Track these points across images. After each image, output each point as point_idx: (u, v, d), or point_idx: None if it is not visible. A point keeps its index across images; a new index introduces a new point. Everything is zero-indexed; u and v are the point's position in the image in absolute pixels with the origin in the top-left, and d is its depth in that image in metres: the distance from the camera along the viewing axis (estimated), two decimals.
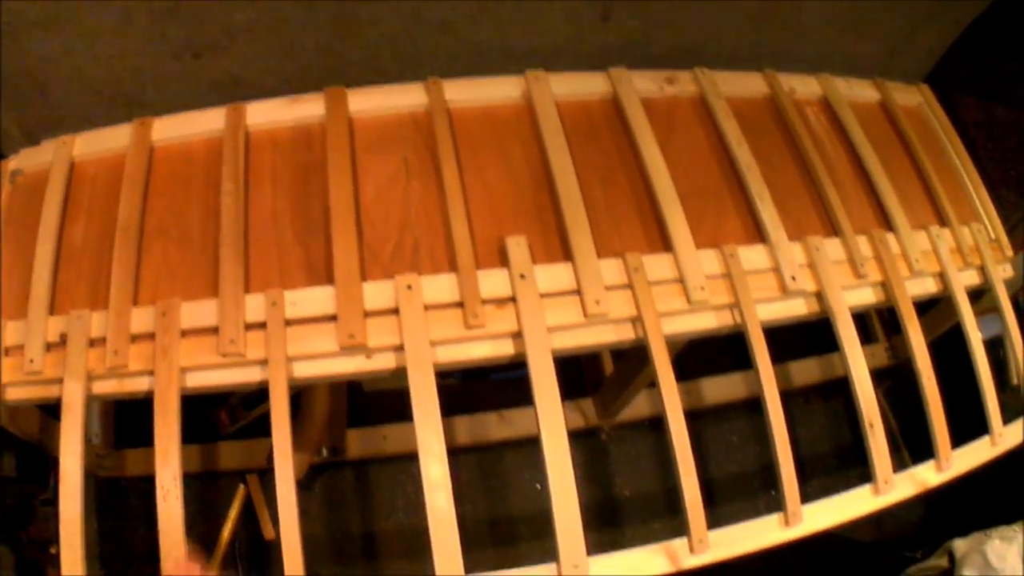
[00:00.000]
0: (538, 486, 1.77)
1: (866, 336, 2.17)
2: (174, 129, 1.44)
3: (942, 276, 1.56)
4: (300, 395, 1.69)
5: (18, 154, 1.48)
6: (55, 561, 1.54)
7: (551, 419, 1.20)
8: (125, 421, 1.74)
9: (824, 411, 2.08)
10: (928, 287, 1.55)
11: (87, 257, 1.34)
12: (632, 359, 1.67)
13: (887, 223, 1.56)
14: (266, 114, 1.44)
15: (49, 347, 1.25)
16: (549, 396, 1.21)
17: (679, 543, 1.23)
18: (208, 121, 1.43)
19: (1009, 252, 1.70)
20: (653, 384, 1.69)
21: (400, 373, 1.23)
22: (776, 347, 2.01)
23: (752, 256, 1.41)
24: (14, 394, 1.27)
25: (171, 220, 1.36)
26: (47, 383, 1.25)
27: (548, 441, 1.19)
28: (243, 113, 1.43)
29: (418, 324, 1.23)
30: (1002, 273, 1.66)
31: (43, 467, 1.60)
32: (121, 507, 1.70)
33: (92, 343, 1.24)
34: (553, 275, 1.31)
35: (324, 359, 1.25)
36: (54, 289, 1.31)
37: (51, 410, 1.46)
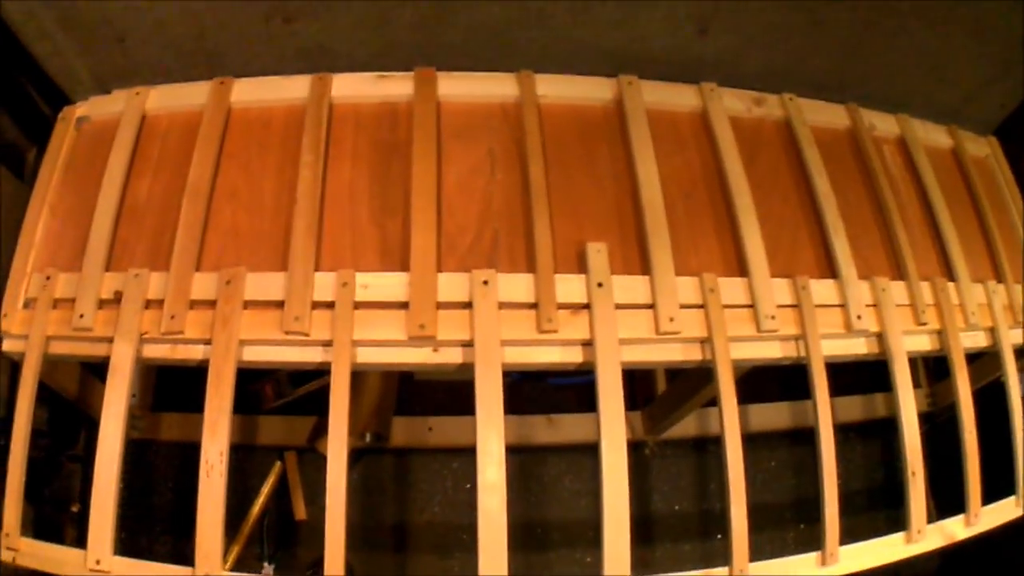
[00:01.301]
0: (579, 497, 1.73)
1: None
2: (255, 93, 1.40)
3: (993, 331, 1.54)
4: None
5: (87, 101, 1.43)
6: (75, 519, 1.49)
7: (613, 432, 1.18)
8: (165, 384, 1.69)
9: (861, 450, 2.07)
10: (979, 341, 1.54)
11: (151, 214, 1.31)
12: (689, 379, 1.65)
13: (949, 272, 1.54)
14: (352, 88, 1.40)
15: (102, 304, 1.22)
16: (614, 408, 1.19)
17: (720, 571, 1.21)
18: (292, 88, 1.40)
19: None
20: (704, 405, 1.70)
21: (466, 369, 1.20)
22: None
23: (822, 290, 1.39)
24: (58, 348, 1.23)
25: (243, 185, 1.33)
26: (95, 341, 1.21)
27: (608, 453, 1.17)
28: (329, 84, 1.40)
29: (491, 322, 1.21)
30: None
31: (75, 423, 1.56)
32: (149, 471, 1.65)
33: (148, 304, 1.21)
34: (630, 287, 1.28)
35: (390, 347, 1.22)
36: (113, 244, 1.28)
37: (92, 368, 1.42)
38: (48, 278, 1.24)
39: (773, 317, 1.32)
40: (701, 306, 1.30)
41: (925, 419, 2.11)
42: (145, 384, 1.73)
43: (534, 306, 1.23)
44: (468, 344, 1.20)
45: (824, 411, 1.32)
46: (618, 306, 1.26)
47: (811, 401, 1.32)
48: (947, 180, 1.69)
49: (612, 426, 1.18)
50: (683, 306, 1.29)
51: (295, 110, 1.37)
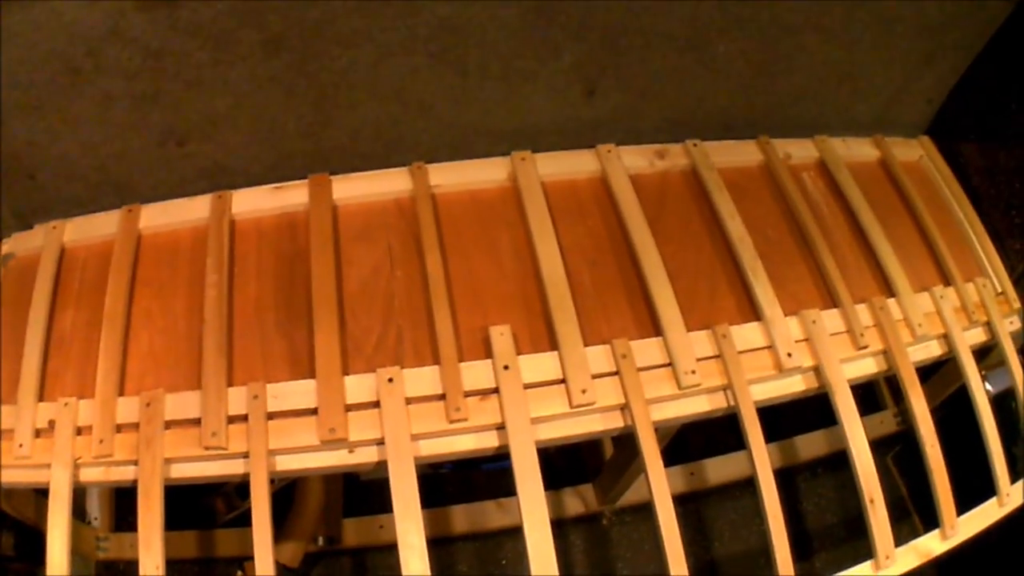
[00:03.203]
0: None
1: (875, 403, 2.15)
2: (161, 217, 1.44)
3: (946, 338, 1.52)
4: (295, 484, 1.68)
5: (11, 237, 1.48)
6: None
7: (534, 513, 1.18)
8: (126, 504, 1.74)
9: (832, 483, 2.06)
10: (932, 351, 1.52)
11: (76, 344, 1.35)
12: (629, 444, 1.65)
13: (888, 288, 1.52)
14: (251, 202, 1.43)
15: (38, 433, 1.26)
16: (532, 489, 1.19)
17: None
18: (194, 209, 1.44)
19: (1016, 304, 1.66)
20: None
21: (383, 466, 1.22)
22: (785, 420, 2.01)
23: (746, 334, 1.38)
24: (6, 477, 1.27)
25: (157, 309, 1.36)
26: (36, 468, 1.25)
27: (531, 533, 1.17)
28: (228, 201, 1.43)
29: (399, 418, 1.22)
30: (1009, 326, 1.62)
31: (41, 546, 1.61)
32: None
33: (79, 431, 1.25)
34: (538, 365, 1.29)
35: (306, 453, 1.24)
36: (44, 375, 1.31)
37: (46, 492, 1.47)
38: None
39: (693, 372, 1.32)
40: (616, 373, 1.30)
41: (898, 438, 2.09)
42: (106, 505, 1.78)
43: (442, 397, 1.25)
44: (381, 442, 1.22)
45: (760, 456, 1.30)
46: (529, 385, 1.27)
47: (746, 448, 1.31)
48: (878, 192, 1.66)
49: (532, 506, 1.18)
50: (597, 375, 1.29)
51: (200, 230, 1.41)
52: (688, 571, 1.20)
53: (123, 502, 1.80)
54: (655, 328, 1.36)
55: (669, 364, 1.33)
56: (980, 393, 1.49)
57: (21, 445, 1.24)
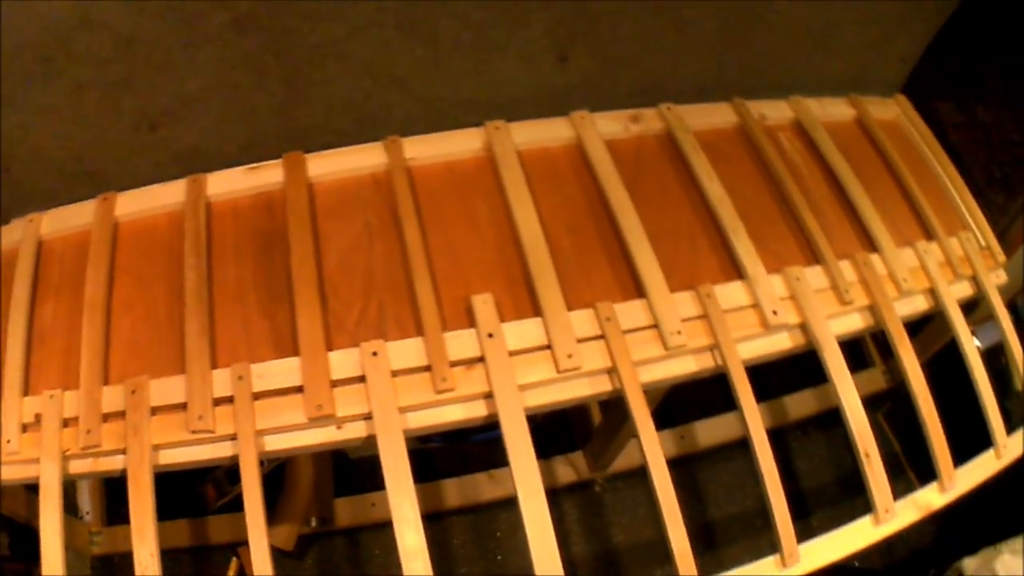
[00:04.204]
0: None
1: (863, 361, 2.15)
2: (136, 204, 1.43)
3: (932, 292, 1.52)
4: (285, 466, 1.67)
5: None
6: None
7: (527, 479, 1.17)
8: (118, 497, 1.73)
9: (824, 442, 2.06)
10: (918, 305, 1.52)
11: (58, 336, 1.33)
12: (617, 409, 1.65)
13: (871, 244, 1.52)
14: (226, 184, 1.43)
15: (25, 428, 1.25)
16: (524, 455, 1.18)
17: None
18: (169, 194, 1.43)
19: (1001, 257, 1.66)
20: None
21: (372, 442, 1.21)
22: (774, 380, 2.01)
23: (730, 294, 1.38)
24: None
25: (137, 296, 1.35)
26: (25, 463, 1.24)
27: (525, 501, 1.16)
28: (203, 184, 1.42)
29: (385, 391, 1.21)
30: (995, 280, 1.62)
31: (36, 544, 1.61)
32: None
33: (66, 423, 1.24)
34: (523, 331, 1.28)
35: (294, 431, 1.23)
36: (27, 369, 1.30)
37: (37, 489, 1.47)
38: None
39: (679, 332, 1.31)
40: (601, 336, 1.29)
41: (889, 395, 2.09)
42: (97, 500, 1.77)
43: (428, 368, 1.24)
44: (369, 417, 1.22)
45: (752, 414, 1.30)
46: (515, 352, 1.26)
47: (736, 408, 1.30)
48: (856, 151, 1.66)
49: (525, 473, 1.17)
50: (582, 340, 1.28)
51: (176, 215, 1.40)
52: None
53: (114, 495, 1.78)
54: (638, 290, 1.36)
55: (654, 326, 1.32)
56: (969, 344, 1.48)
57: (9, 441, 1.23)
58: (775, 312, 1.37)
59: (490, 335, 1.26)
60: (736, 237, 1.43)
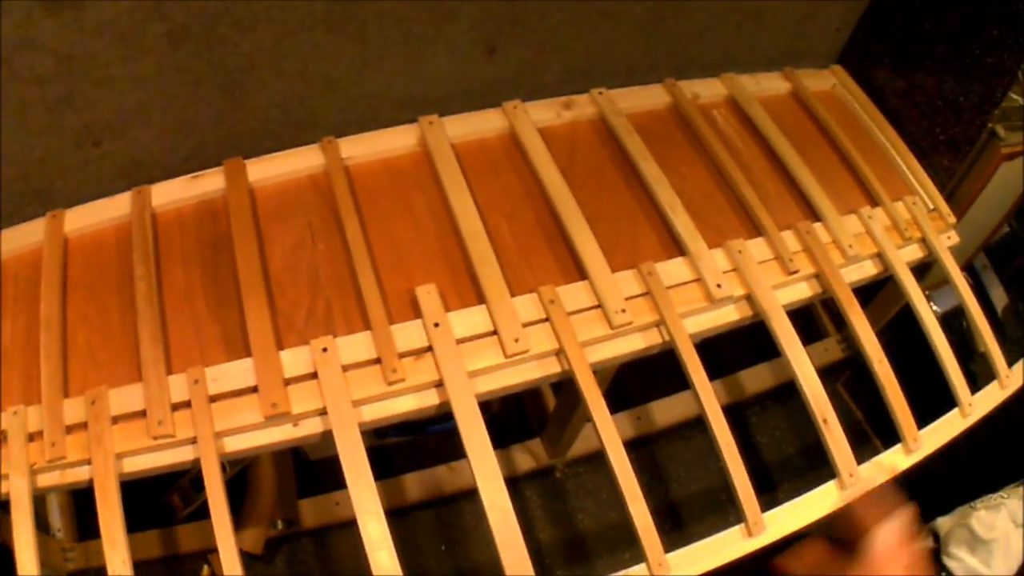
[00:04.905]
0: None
1: (817, 333, 2.17)
2: (84, 219, 1.45)
3: (880, 256, 1.54)
4: (247, 470, 1.69)
5: None
6: None
7: (484, 465, 1.19)
8: (88, 513, 1.75)
9: (783, 415, 2.08)
10: (867, 270, 1.55)
11: (16, 353, 1.35)
12: (569, 393, 1.67)
13: (814, 214, 1.55)
14: (170, 194, 1.45)
15: None
16: (479, 441, 1.21)
17: (638, 570, 1.22)
18: (116, 207, 1.45)
19: (951, 219, 1.69)
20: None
21: (329, 438, 1.23)
22: (728, 357, 2.03)
23: (673, 270, 1.41)
24: None
25: (91, 309, 1.37)
26: None
27: (484, 487, 1.19)
28: (148, 195, 1.44)
29: (337, 386, 1.24)
30: (946, 241, 1.65)
31: (11, 563, 1.62)
32: None
33: (31, 437, 1.25)
34: (468, 319, 1.30)
35: (252, 431, 1.25)
36: None
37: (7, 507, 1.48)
38: None
39: (623, 311, 1.34)
40: (547, 319, 1.32)
41: (847, 364, 2.11)
42: (67, 516, 1.79)
43: (378, 361, 1.26)
44: (323, 412, 1.24)
45: (703, 386, 1.31)
46: (462, 340, 1.28)
47: (688, 383, 1.32)
48: (794, 124, 1.69)
49: (481, 458, 1.20)
50: (527, 324, 1.31)
51: (123, 227, 1.42)
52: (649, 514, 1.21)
53: (83, 510, 1.80)
54: (580, 273, 1.38)
55: (598, 306, 1.35)
56: (923, 305, 1.50)
57: None
58: (719, 285, 1.39)
59: (436, 324, 1.28)
60: (675, 214, 1.45)
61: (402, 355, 1.27)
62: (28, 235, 1.46)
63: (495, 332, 1.30)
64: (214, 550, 1.75)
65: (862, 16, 1.78)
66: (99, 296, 1.38)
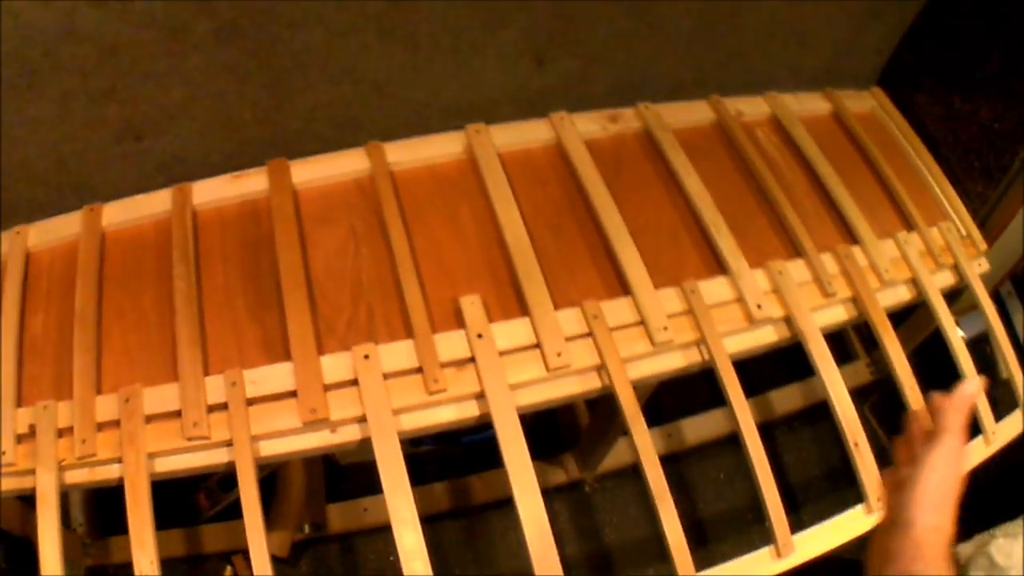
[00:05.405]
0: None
1: (846, 355, 2.17)
2: (123, 214, 1.43)
3: (915, 282, 1.54)
4: (276, 473, 1.67)
5: None
6: None
7: (522, 477, 1.18)
8: (110, 508, 1.73)
9: (811, 436, 2.08)
10: (901, 295, 1.53)
11: (49, 347, 1.33)
12: (605, 408, 1.66)
13: (852, 236, 1.54)
14: (212, 192, 1.43)
15: (20, 439, 1.25)
16: (518, 454, 1.19)
17: None
18: (155, 203, 1.43)
19: (983, 246, 1.68)
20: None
21: (366, 444, 1.22)
22: (758, 377, 2.02)
23: (714, 289, 1.39)
24: None
25: (127, 305, 1.35)
26: (21, 475, 1.23)
27: (521, 499, 1.17)
28: (189, 193, 1.42)
29: (378, 393, 1.22)
30: (977, 268, 1.64)
31: (32, 557, 1.61)
32: None
33: (61, 433, 1.23)
34: (511, 331, 1.29)
35: (289, 436, 1.24)
36: (20, 381, 1.30)
37: (32, 501, 1.47)
38: None
39: (666, 328, 1.33)
40: (589, 334, 1.31)
41: (874, 387, 2.11)
42: (89, 511, 1.77)
43: (419, 370, 1.25)
44: (363, 420, 1.22)
45: (740, 406, 1.30)
46: (504, 352, 1.27)
47: (725, 401, 1.32)
48: (834, 145, 1.68)
49: (519, 471, 1.18)
50: (570, 338, 1.29)
51: (163, 223, 1.40)
52: None
53: (103, 507, 1.78)
54: (623, 288, 1.37)
55: (640, 322, 1.33)
56: (952, 331, 1.49)
57: (4, 452, 1.23)
58: (759, 306, 1.38)
59: (479, 335, 1.27)
60: (718, 233, 1.44)
61: (444, 365, 1.25)
62: (63, 228, 1.44)
63: (538, 345, 1.28)
64: (238, 551, 1.74)
65: (902, 39, 1.78)
66: (135, 293, 1.36)
